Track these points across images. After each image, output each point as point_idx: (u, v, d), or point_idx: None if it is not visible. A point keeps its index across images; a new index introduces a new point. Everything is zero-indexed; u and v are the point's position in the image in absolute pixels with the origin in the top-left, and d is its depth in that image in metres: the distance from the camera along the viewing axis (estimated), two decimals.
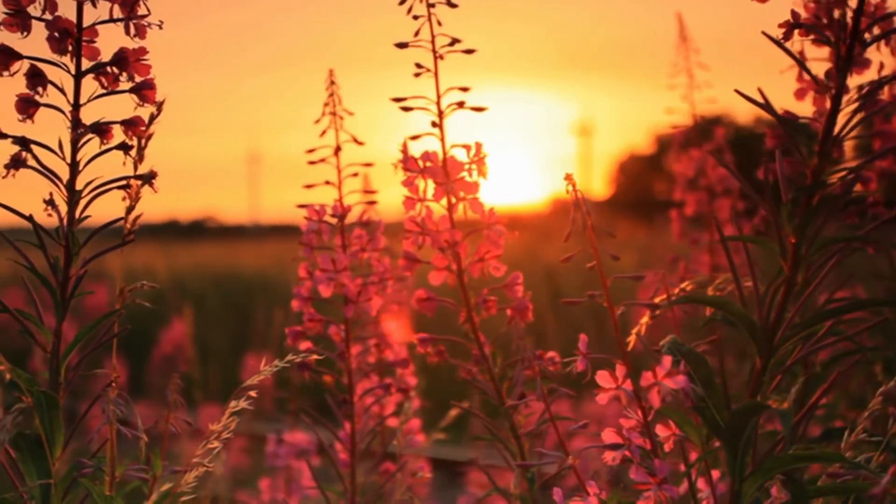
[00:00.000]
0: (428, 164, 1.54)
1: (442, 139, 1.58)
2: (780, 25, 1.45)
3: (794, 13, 1.30)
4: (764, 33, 1.32)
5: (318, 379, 1.73)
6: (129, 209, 1.38)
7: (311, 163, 1.72)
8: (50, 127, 1.37)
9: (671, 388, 1.21)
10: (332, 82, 1.74)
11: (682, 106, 2.75)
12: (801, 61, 1.31)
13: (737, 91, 1.22)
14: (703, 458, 1.29)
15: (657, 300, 1.64)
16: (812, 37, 1.28)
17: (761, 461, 1.26)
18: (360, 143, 1.73)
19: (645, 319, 1.58)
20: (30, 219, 1.32)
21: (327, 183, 1.71)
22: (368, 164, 1.74)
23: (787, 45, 1.35)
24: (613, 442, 1.26)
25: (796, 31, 1.27)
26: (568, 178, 1.22)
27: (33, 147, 1.32)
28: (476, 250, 1.55)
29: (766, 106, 1.26)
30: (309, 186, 1.74)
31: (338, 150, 1.73)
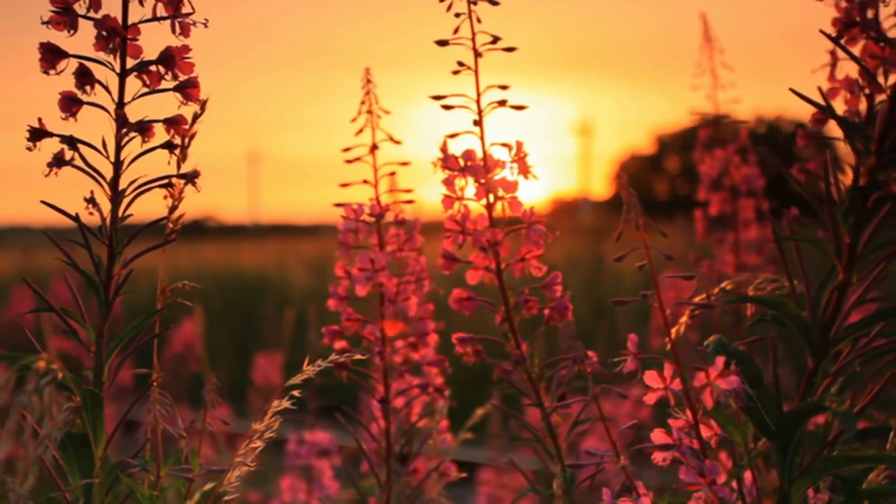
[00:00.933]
0: (469, 162, 1.53)
1: (481, 137, 1.57)
2: (834, 23, 1.44)
3: (846, 11, 1.29)
4: (822, 31, 1.31)
5: (354, 379, 1.72)
6: (173, 208, 1.37)
7: (348, 161, 1.71)
8: (82, 125, 1.37)
9: (724, 389, 1.20)
10: (369, 80, 1.73)
11: (706, 106, 2.74)
12: (859, 60, 1.30)
13: (792, 90, 1.21)
14: (753, 458, 1.29)
15: (697, 299, 1.64)
16: (866, 35, 1.27)
17: (811, 463, 1.26)
18: (398, 143, 1.72)
19: (684, 319, 1.58)
20: (76, 218, 1.31)
21: (365, 182, 1.70)
22: (405, 163, 1.73)
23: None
24: (664, 442, 1.25)
25: (851, 30, 1.26)
26: (619, 176, 1.22)
27: (78, 145, 1.31)
28: (518, 250, 1.55)
29: (826, 107, 1.25)
30: (345, 185, 1.74)
31: (374, 148, 1.72)
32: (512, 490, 3.59)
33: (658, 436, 1.26)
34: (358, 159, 1.73)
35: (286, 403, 1.37)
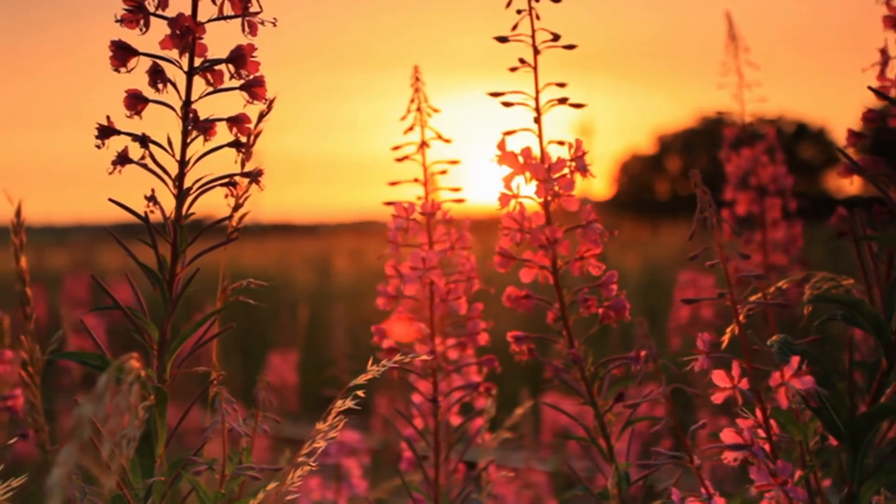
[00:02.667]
0: (528, 159, 1.53)
1: (540, 135, 1.57)
2: (885, 22, 1.44)
3: None
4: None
5: (405, 378, 1.72)
6: (236, 207, 1.37)
7: (398, 160, 1.71)
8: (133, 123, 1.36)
9: (798, 389, 1.20)
10: (417, 79, 1.73)
11: (732, 105, 2.74)
12: None
13: (871, 89, 1.21)
14: (824, 458, 1.28)
15: (753, 298, 1.63)
16: None
17: (881, 464, 1.26)
18: (447, 141, 1.72)
19: (740, 318, 1.57)
20: (144, 218, 1.31)
21: (416, 181, 1.70)
22: (455, 162, 1.72)
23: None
24: (735, 442, 1.25)
25: None
26: (694, 175, 1.21)
27: (138, 143, 1.31)
28: (577, 249, 1.54)
29: None
30: (394, 184, 1.73)
31: (423, 146, 1.72)
32: (528, 488, 3.58)
33: (729, 435, 1.26)
34: (406, 157, 1.73)
35: (350, 403, 1.37)
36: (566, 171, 1.52)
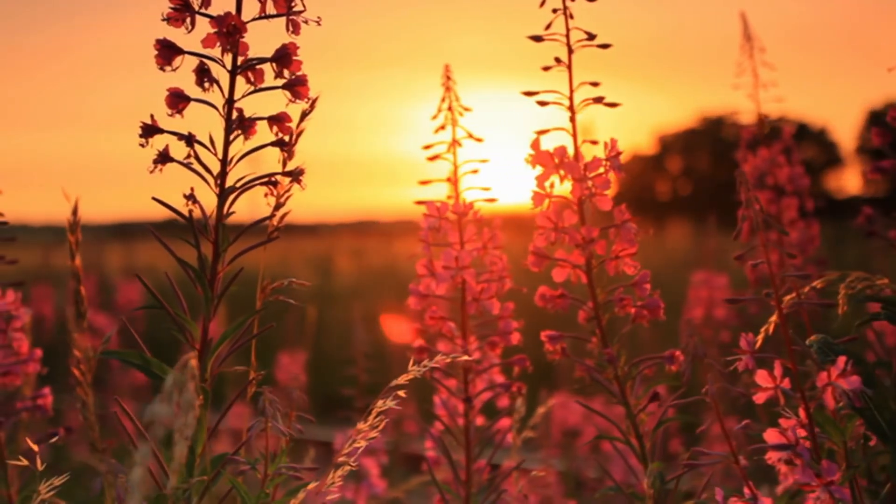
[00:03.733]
0: (563, 159, 1.53)
1: (574, 134, 1.57)
2: None
3: None
4: None
5: (434, 377, 1.72)
6: (277, 206, 1.37)
7: (430, 159, 1.71)
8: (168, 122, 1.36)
9: (845, 389, 1.20)
10: (449, 77, 1.73)
11: (747, 105, 2.73)
12: None
13: None
14: (871, 459, 1.28)
15: (787, 298, 1.63)
16: None
17: None
18: (479, 140, 1.72)
19: (774, 318, 1.57)
20: (189, 218, 1.31)
21: (448, 180, 1.70)
22: (485, 161, 1.72)
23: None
24: (779, 442, 1.25)
25: None
26: (739, 175, 1.21)
27: (176, 141, 1.31)
28: (612, 248, 1.54)
29: None
30: (424, 183, 1.73)
31: (454, 145, 1.72)
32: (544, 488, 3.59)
33: (772, 435, 1.26)
34: (437, 157, 1.73)
35: (391, 403, 1.37)
36: (602, 170, 1.52)
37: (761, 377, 1.27)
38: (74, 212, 1.15)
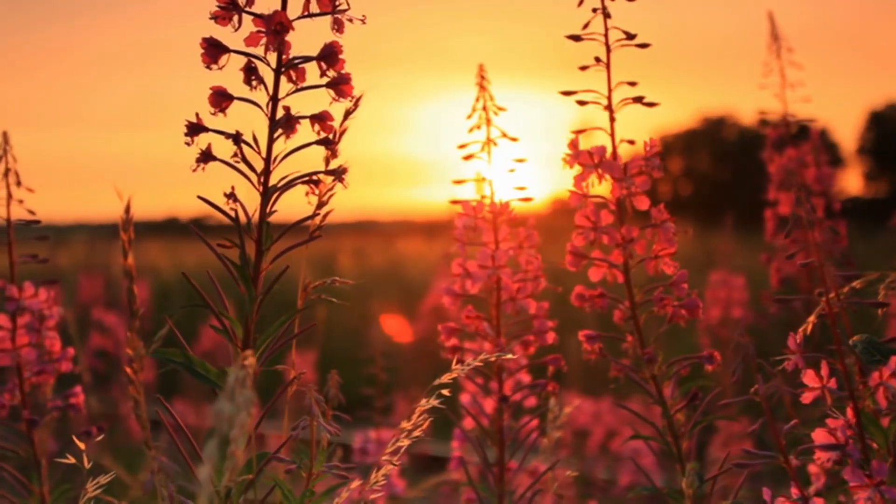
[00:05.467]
0: (602, 158, 1.53)
1: (612, 133, 1.57)
2: None
3: None
4: None
5: (469, 376, 1.71)
6: (320, 204, 1.36)
7: (466, 158, 1.71)
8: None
9: None
10: (483, 77, 1.72)
11: (774, 105, 2.73)
12: None
13: None
14: None
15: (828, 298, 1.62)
16: None
17: None
18: (514, 139, 1.72)
19: (812, 318, 1.57)
20: (235, 219, 1.31)
21: (482, 179, 1.70)
22: (521, 160, 1.72)
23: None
24: (828, 443, 1.25)
25: None
26: (791, 175, 1.21)
27: (231, 140, 1.30)
28: (652, 248, 1.54)
29: None
30: (458, 182, 1.73)
31: (489, 144, 1.72)
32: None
33: (821, 435, 1.26)
34: (471, 156, 1.73)
35: (434, 402, 1.36)
36: (640, 169, 1.52)
37: (808, 377, 1.26)
38: (127, 209, 1.15)
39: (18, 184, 1.81)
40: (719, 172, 28.25)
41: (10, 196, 1.80)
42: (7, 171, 1.80)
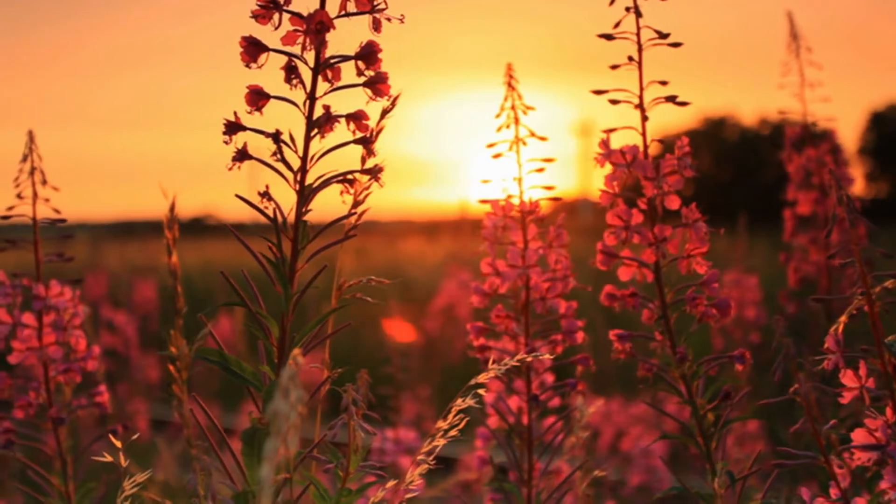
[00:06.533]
0: (637, 158, 1.52)
1: (643, 133, 1.57)
2: None
3: None
4: None
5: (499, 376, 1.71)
6: (356, 203, 1.36)
7: (495, 157, 1.71)
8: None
9: None
10: (511, 76, 1.72)
11: (793, 105, 2.73)
12: None
13: None
14: None
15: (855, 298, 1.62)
16: None
17: None
18: (543, 139, 1.71)
19: (843, 318, 1.56)
20: (273, 219, 1.30)
21: (515, 179, 1.70)
22: (550, 160, 1.72)
23: None
24: (868, 443, 1.24)
25: None
26: (831, 175, 1.21)
27: (271, 139, 1.30)
28: (684, 247, 1.54)
29: None
30: (486, 181, 1.73)
31: (518, 143, 1.71)
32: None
33: (861, 436, 1.25)
34: (500, 155, 1.73)
35: (470, 401, 1.36)
36: (673, 169, 1.52)
37: (848, 377, 1.26)
38: (172, 208, 1.15)
39: (44, 182, 1.81)
40: (720, 173, 28.23)
41: (35, 195, 1.80)
42: (33, 169, 1.80)
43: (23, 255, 1.84)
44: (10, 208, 1.79)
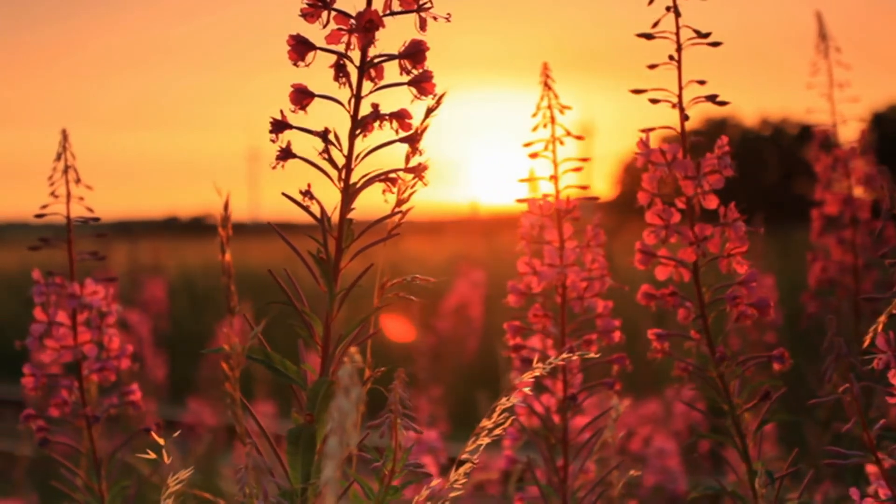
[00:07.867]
0: (677, 157, 1.52)
1: (682, 132, 1.56)
2: None
3: None
4: None
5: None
6: (400, 202, 1.36)
7: (532, 156, 1.71)
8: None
9: None
10: (548, 75, 1.72)
11: (822, 105, 2.72)
12: None
13: None
14: None
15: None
16: None
17: None
18: (580, 138, 1.71)
19: (882, 318, 1.56)
20: (320, 219, 1.30)
21: (552, 178, 1.70)
22: (586, 160, 1.72)
23: None
24: None
25: None
26: (879, 175, 1.21)
27: (320, 137, 1.30)
28: (725, 246, 1.54)
29: None
30: (524, 181, 1.73)
31: (554, 142, 1.71)
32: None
33: None
34: (536, 154, 1.72)
35: (515, 400, 1.36)
36: (713, 168, 1.52)
37: (895, 376, 1.26)
38: (226, 206, 1.15)
39: (77, 181, 1.81)
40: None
41: (69, 194, 1.80)
42: (67, 168, 1.80)
43: (54, 253, 1.84)
44: (44, 206, 1.79)
